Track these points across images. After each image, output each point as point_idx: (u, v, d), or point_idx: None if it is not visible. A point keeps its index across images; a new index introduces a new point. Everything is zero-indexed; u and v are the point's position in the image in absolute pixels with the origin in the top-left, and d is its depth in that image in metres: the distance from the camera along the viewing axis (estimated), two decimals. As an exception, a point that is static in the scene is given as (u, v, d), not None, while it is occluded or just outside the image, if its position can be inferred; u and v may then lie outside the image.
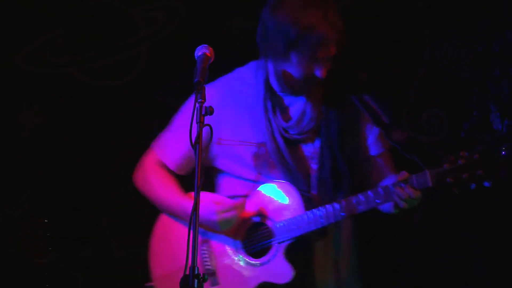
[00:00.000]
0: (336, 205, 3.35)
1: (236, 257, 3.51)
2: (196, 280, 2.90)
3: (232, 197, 3.57)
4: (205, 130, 3.04)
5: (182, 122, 3.67)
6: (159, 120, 5.08)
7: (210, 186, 3.69)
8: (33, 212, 4.82)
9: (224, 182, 3.65)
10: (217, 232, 3.51)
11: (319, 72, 3.40)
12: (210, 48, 3.25)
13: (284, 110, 3.55)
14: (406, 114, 4.83)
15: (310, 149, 3.54)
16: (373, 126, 3.51)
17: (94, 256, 5.06)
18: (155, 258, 3.67)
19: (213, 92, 3.50)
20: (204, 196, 3.52)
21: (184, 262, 3.31)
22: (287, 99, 3.56)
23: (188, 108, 3.65)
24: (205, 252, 3.55)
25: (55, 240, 4.88)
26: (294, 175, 3.49)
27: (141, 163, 3.79)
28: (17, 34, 5.14)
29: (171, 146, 3.66)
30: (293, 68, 3.43)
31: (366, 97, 3.52)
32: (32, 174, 5.05)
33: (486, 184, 3.11)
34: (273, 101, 3.54)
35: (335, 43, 3.36)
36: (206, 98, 3.33)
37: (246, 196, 3.55)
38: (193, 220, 2.93)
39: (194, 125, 3.03)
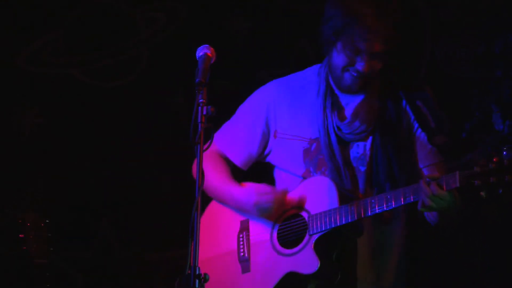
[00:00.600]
0: (368, 200, 3.37)
1: (269, 246, 3.56)
2: (197, 281, 2.90)
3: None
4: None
5: (244, 116, 3.74)
6: (160, 121, 5.11)
7: (267, 180, 3.74)
8: (34, 212, 4.82)
9: (277, 177, 3.73)
10: (257, 217, 3.59)
11: (361, 66, 3.41)
12: (211, 48, 3.25)
13: (340, 109, 3.58)
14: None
15: (360, 151, 3.56)
16: (424, 136, 3.53)
17: (94, 256, 5.06)
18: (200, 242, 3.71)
19: (273, 87, 3.68)
20: (252, 184, 3.64)
21: (226, 248, 3.57)
22: (343, 98, 3.59)
23: (251, 102, 3.73)
24: (242, 240, 3.63)
25: (55, 240, 4.89)
26: (341, 173, 3.52)
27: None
28: (18, 35, 5.14)
29: (235, 141, 3.73)
30: (337, 57, 3.46)
31: (418, 102, 3.52)
32: (32, 174, 5.05)
33: None
34: (333, 99, 3.58)
35: (382, 39, 3.35)
36: (267, 91, 3.65)
37: (292, 191, 3.60)
38: (194, 219, 2.94)
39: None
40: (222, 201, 3.71)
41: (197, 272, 2.91)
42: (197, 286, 2.90)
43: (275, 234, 3.57)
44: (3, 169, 5.05)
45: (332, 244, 3.46)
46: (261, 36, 5.05)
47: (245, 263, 3.59)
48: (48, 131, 5.13)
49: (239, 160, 3.73)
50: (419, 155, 3.54)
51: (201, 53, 3.24)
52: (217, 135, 3.77)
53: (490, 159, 3.15)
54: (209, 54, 3.24)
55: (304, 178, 3.60)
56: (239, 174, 3.75)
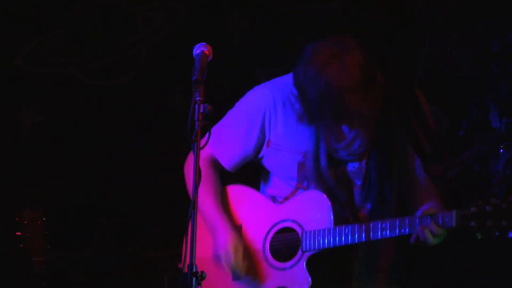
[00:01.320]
0: (363, 226, 3.35)
1: (261, 256, 3.53)
2: (194, 278, 2.90)
3: (273, 197, 3.61)
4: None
5: (240, 119, 3.64)
6: (158, 119, 5.11)
7: (258, 177, 3.75)
8: (32, 210, 4.83)
9: (270, 180, 3.68)
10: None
11: (328, 121, 3.38)
12: (209, 46, 3.24)
13: (335, 132, 3.50)
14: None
15: (356, 165, 3.53)
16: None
17: (92, 255, 5.06)
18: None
19: (267, 93, 3.56)
20: (243, 195, 3.62)
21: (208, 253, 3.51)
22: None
23: (247, 106, 3.63)
24: None
25: (54, 239, 4.90)
26: (335, 192, 3.48)
27: (191, 154, 3.78)
28: (17, 34, 5.14)
29: (227, 145, 3.64)
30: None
31: (414, 118, 3.50)
32: (31, 173, 5.05)
33: (510, 235, 3.10)
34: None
35: (342, 97, 3.27)
36: (262, 97, 3.55)
37: (287, 198, 3.57)
38: (192, 218, 2.94)
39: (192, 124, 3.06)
40: (202, 218, 3.62)
41: (194, 270, 2.91)
42: (194, 284, 2.90)
43: (267, 245, 3.53)
44: (2, 168, 5.05)
45: (325, 262, 3.44)
46: (258, 34, 5.05)
47: (236, 271, 3.53)
48: (47, 130, 5.13)
49: (228, 164, 3.65)
50: (415, 165, 3.52)
51: (198, 51, 3.22)
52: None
53: (487, 200, 3.13)
54: (206, 52, 3.22)
55: (297, 188, 3.56)
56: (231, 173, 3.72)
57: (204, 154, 3.65)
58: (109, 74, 5.18)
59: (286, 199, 3.57)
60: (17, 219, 4.61)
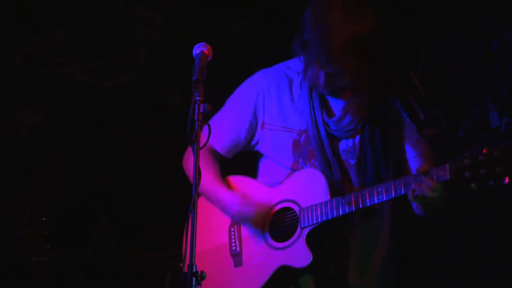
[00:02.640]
0: (359, 193, 3.37)
1: (261, 240, 3.57)
2: (194, 278, 2.91)
3: (269, 184, 3.64)
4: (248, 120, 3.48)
5: (232, 105, 3.73)
6: (157, 119, 5.11)
7: (254, 169, 3.77)
8: (32, 211, 4.82)
9: (264, 167, 3.72)
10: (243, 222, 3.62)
11: (322, 81, 3.38)
12: (208, 46, 3.25)
13: (328, 105, 3.57)
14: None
15: (349, 143, 3.55)
16: (412, 126, 3.51)
17: (92, 255, 5.06)
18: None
19: (261, 78, 3.66)
20: (241, 182, 3.66)
21: (217, 242, 3.60)
22: (329, 97, 3.57)
23: (240, 92, 3.73)
24: (234, 233, 3.64)
25: (54, 239, 4.89)
26: (331, 165, 3.51)
27: (190, 148, 3.82)
28: (16, 34, 5.14)
29: (220, 129, 3.70)
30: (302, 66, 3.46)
31: (409, 96, 3.50)
32: (31, 174, 5.05)
33: (504, 181, 3.10)
34: (320, 96, 3.55)
35: (340, 58, 3.29)
36: (255, 82, 3.64)
37: (282, 181, 3.60)
38: (191, 218, 2.94)
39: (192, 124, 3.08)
40: (208, 199, 3.71)
41: (194, 270, 2.91)
42: (194, 284, 2.90)
43: (266, 227, 3.57)
44: (2, 168, 5.05)
45: (324, 236, 3.46)
46: (258, 34, 5.05)
47: (237, 257, 3.60)
48: (47, 130, 5.13)
49: (221, 146, 3.71)
50: (406, 145, 3.53)
51: (197, 51, 3.24)
52: (206, 126, 3.77)
53: (480, 151, 3.14)
54: (206, 52, 3.23)
55: (293, 169, 3.59)
56: (228, 165, 3.76)
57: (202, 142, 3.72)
58: (109, 74, 5.18)
59: (281, 182, 3.60)
60: (17, 219, 4.61)
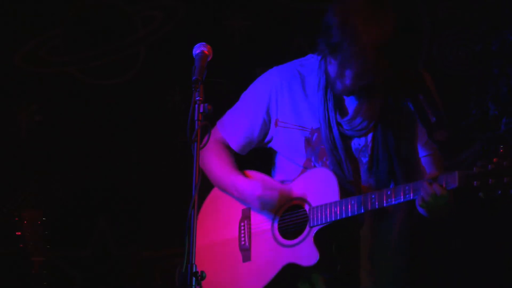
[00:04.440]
0: (368, 195, 3.38)
1: (270, 236, 3.57)
2: (194, 278, 2.91)
3: (282, 181, 3.65)
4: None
5: (246, 103, 3.73)
6: (157, 119, 5.11)
7: (269, 165, 3.77)
8: (32, 211, 4.82)
9: (278, 163, 3.73)
10: (258, 210, 3.62)
11: (349, 81, 3.38)
12: (208, 46, 3.25)
13: (341, 104, 3.57)
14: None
15: (362, 143, 3.56)
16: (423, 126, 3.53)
17: (91, 254, 5.06)
18: (200, 228, 3.71)
19: (275, 75, 3.66)
20: (256, 174, 3.67)
21: (227, 235, 3.59)
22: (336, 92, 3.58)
23: (254, 89, 3.73)
24: (243, 228, 3.64)
25: (54, 239, 4.89)
26: (343, 166, 3.52)
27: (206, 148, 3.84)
28: (16, 34, 5.14)
29: (234, 126, 3.72)
30: (329, 66, 3.45)
31: (421, 96, 3.51)
32: (30, 172, 5.05)
33: None
34: (334, 94, 3.56)
35: (373, 60, 3.30)
36: (269, 79, 3.64)
37: (294, 179, 3.61)
38: (191, 218, 2.94)
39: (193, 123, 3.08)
40: (225, 191, 3.72)
41: (194, 270, 2.91)
42: (194, 284, 2.90)
43: (276, 225, 3.57)
44: (2, 168, 5.05)
45: (332, 236, 3.47)
46: (258, 34, 5.05)
47: (246, 252, 3.60)
48: (47, 130, 5.12)
49: (235, 144, 3.73)
50: (418, 144, 3.54)
51: (198, 51, 3.24)
52: (220, 122, 3.78)
53: (489, 160, 3.15)
54: (206, 52, 3.23)
55: (305, 167, 3.59)
56: (242, 160, 3.76)
57: (217, 136, 3.76)
58: (109, 73, 5.18)
59: (293, 179, 3.61)
60: (17, 219, 4.61)
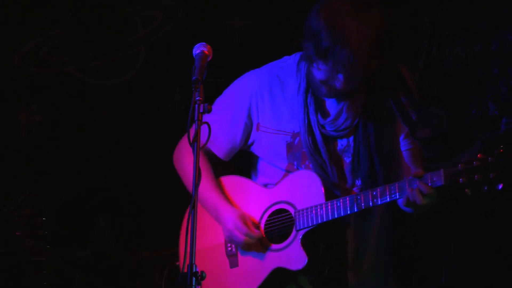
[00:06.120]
0: (354, 197, 3.38)
1: (257, 241, 3.55)
2: (194, 278, 2.91)
3: (266, 184, 3.64)
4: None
5: (226, 108, 3.70)
6: (157, 119, 5.10)
7: (249, 169, 3.78)
8: (32, 211, 4.82)
9: (261, 168, 3.72)
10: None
11: (339, 84, 3.38)
12: (208, 46, 3.25)
13: (322, 106, 3.57)
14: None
15: (344, 143, 3.56)
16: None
17: (91, 255, 5.06)
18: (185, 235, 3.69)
19: (253, 78, 3.64)
20: (236, 183, 3.66)
21: (213, 241, 3.57)
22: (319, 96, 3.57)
23: (232, 94, 3.70)
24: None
25: (54, 239, 4.89)
26: (327, 168, 3.52)
27: (180, 143, 3.81)
28: (16, 34, 5.13)
29: (217, 133, 3.67)
30: (318, 72, 3.42)
31: (403, 98, 3.51)
32: (30, 173, 5.04)
33: (499, 187, 3.11)
34: (314, 96, 3.55)
35: (364, 62, 3.30)
36: (248, 83, 3.61)
37: (278, 182, 3.60)
38: (191, 218, 2.94)
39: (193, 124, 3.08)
40: (203, 206, 3.68)
41: (194, 270, 2.91)
42: (194, 284, 2.90)
43: (262, 228, 3.57)
44: (2, 168, 5.04)
45: (319, 238, 3.47)
46: (258, 34, 5.05)
47: (233, 258, 3.59)
48: (47, 130, 5.12)
49: (222, 153, 3.71)
50: (400, 138, 3.54)
51: (198, 51, 3.24)
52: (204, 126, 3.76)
53: (474, 156, 3.15)
54: (206, 52, 3.23)
55: (287, 171, 3.59)
56: (223, 163, 3.75)
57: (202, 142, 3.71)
58: (109, 73, 5.18)
59: (277, 183, 3.60)
60: (17, 219, 4.61)
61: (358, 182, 3.53)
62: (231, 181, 3.72)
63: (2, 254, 4.88)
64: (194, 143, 3.04)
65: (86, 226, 5.05)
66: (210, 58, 3.24)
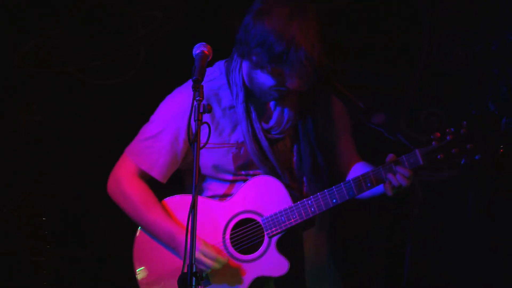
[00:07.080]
0: (326, 192, 3.37)
1: (226, 255, 3.51)
2: (194, 278, 2.91)
3: (212, 196, 3.59)
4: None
5: (159, 129, 3.65)
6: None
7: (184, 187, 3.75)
8: (32, 211, 4.82)
9: (205, 183, 3.66)
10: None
11: (290, 84, 3.39)
12: (208, 46, 3.26)
13: (263, 112, 3.56)
14: (405, 113, 4.83)
15: (288, 143, 3.57)
16: (343, 113, 3.54)
17: (92, 255, 5.06)
18: (143, 265, 3.64)
19: (186, 97, 3.56)
20: (185, 204, 3.57)
21: (171, 267, 3.48)
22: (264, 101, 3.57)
23: (167, 115, 3.65)
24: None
25: (53, 239, 4.89)
26: (277, 171, 3.50)
27: (116, 173, 3.75)
28: (16, 34, 5.14)
29: (154, 155, 3.64)
30: (266, 77, 3.41)
31: (339, 86, 3.53)
32: (30, 173, 5.04)
33: (477, 157, 3.14)
34: (254, 103, 3.53)
35: (315, 63, 3.32)
36: (180, 103, 3.53)
37: (225, 195, 3.57)
38: (191, 218, 2.94)
39: (192, 123, 3.08)
40: (157, 238, 3.60)
41: (194, 270, 2.91)
42: (194, 284, 2.90)
43: (228, 243, 3.52)
44: (2, 168, 5.05)
45: (291, 241, 3.48)
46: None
47: (203, 281, 3.49)
48: (47, 130, 5.12)
49: (162, 176, 3.64)
50: (336, 127, 3.58)
51: (198, 51, 3.24)
52: (130, 151, 3.69)
53: (444, 131, 3.17)
54: (206, 52, 3.24)
55: (233, 182, 3.56)
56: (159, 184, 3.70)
57: (128, 167, 3.68)
58: (109, 73, 5.18)
59: (230, 194, 3.56)
60: (17, 219, 4.61)
61: (304, 179, 3.52)
62: (178, 202, 3.63)
63: (2, 254, 4.89)
64: (193, 143, 3.04)
65: (86, 226, 5.05)
66: (210, 58, 3.24)
